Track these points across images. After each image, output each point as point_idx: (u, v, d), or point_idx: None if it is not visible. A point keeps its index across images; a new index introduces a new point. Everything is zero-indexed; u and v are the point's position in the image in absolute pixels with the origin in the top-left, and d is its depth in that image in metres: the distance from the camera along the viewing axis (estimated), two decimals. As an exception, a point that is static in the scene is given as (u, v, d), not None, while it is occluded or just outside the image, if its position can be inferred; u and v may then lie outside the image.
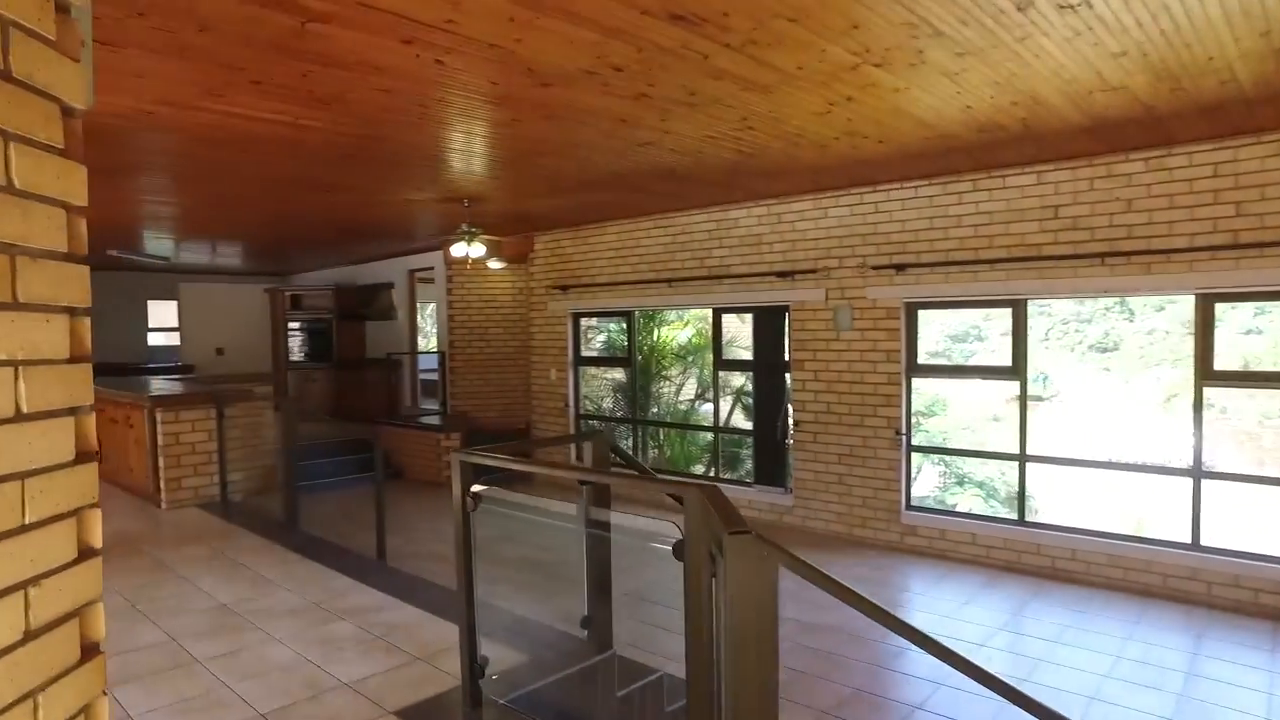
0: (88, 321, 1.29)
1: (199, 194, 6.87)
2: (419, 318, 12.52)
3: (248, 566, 5.29)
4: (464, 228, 7.48)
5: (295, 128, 4.61)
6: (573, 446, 8.92)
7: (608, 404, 10.42)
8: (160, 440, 6.19)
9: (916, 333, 6.70)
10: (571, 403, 9.66)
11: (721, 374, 8.69)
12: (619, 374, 10.07)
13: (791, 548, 2.23)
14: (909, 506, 6.75)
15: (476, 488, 3.22)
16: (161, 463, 6.20)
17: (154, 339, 13.79)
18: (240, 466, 6.75)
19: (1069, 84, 4.06)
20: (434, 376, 13.18)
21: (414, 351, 12.22)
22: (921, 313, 6.70)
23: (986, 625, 5.07)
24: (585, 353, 9.84)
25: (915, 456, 7.04)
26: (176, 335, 14.16)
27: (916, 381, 6.87)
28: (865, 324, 6.87)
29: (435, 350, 11.68)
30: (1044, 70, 3.84)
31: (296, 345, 12.69)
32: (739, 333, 8.66)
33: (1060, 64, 3.76)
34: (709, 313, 8.70)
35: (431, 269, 11.53)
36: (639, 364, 9.22)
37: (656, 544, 2.63)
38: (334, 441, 10.40)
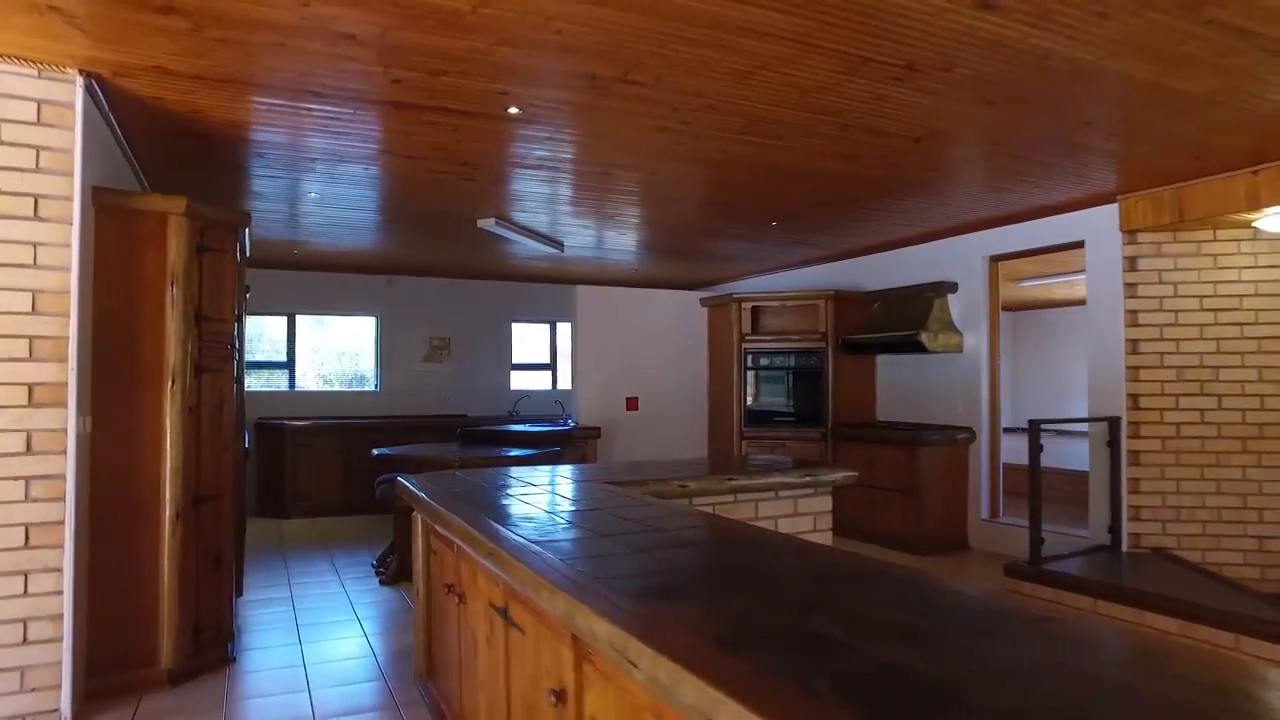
0: None
1: None
2: (999, 347, 6.53)
3: None
4: None
5: None
6: None
7: None
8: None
9: None
10: None
11: None
12: None
13: None
14: None
15: None
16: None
17: (517, 380, 9.01)
18: None
19: None
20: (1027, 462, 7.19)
21: (994, 417, 6.27)
22: None
23: None
24: None
25: None
26: (548, 376, 9.38)
27: None
28: None
29: (1081, 417, 5.71)
30: None
31: (755, 393, 7.26)
32: None
33: None
34: None
35: (1079, 244, 5.57)
36: None
37: None
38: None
